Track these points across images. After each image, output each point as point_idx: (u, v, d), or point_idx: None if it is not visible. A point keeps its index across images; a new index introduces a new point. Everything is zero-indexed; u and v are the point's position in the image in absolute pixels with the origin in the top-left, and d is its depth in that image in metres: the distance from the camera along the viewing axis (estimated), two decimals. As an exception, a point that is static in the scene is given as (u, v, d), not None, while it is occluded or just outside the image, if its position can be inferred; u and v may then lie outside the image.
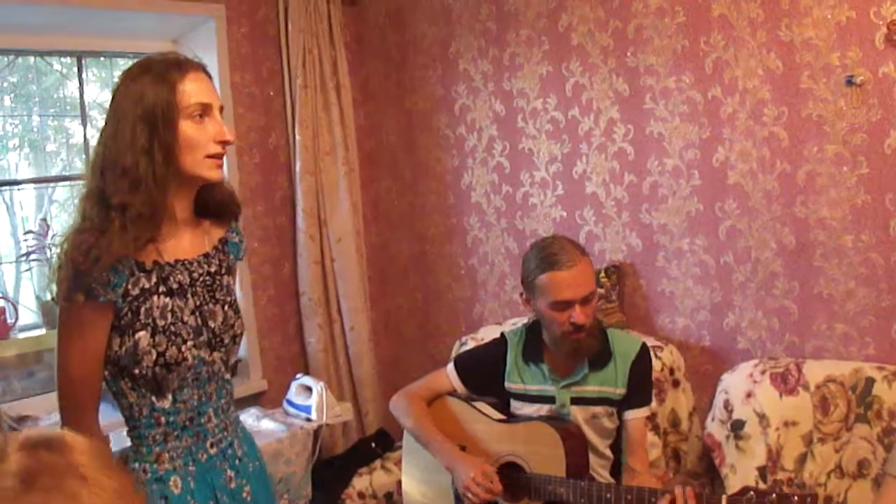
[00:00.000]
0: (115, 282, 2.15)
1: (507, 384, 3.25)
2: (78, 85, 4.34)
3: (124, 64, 4.61)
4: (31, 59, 4.27)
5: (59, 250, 2.16)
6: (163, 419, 2.27)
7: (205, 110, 2.21)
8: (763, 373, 3.41)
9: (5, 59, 4.16)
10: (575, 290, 2.95)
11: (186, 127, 2.18)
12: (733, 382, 3.48)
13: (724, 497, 2.57)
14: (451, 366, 3.41)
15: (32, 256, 4.17)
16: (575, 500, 2.92)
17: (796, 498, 2.44)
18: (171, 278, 2.27)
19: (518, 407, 3.24)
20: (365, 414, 4.79)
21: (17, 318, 4.09)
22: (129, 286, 2.19)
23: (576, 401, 3.13)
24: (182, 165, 2.20)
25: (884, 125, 3.20)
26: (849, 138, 3.28)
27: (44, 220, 4.25)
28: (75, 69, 4.33)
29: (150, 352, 2.19)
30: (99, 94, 4.53)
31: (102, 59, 4.51)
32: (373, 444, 4.37)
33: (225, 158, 2.35)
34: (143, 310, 2.20)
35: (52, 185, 4.46)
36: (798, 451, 3.29)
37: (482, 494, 2.99)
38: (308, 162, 4.59)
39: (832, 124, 3.32)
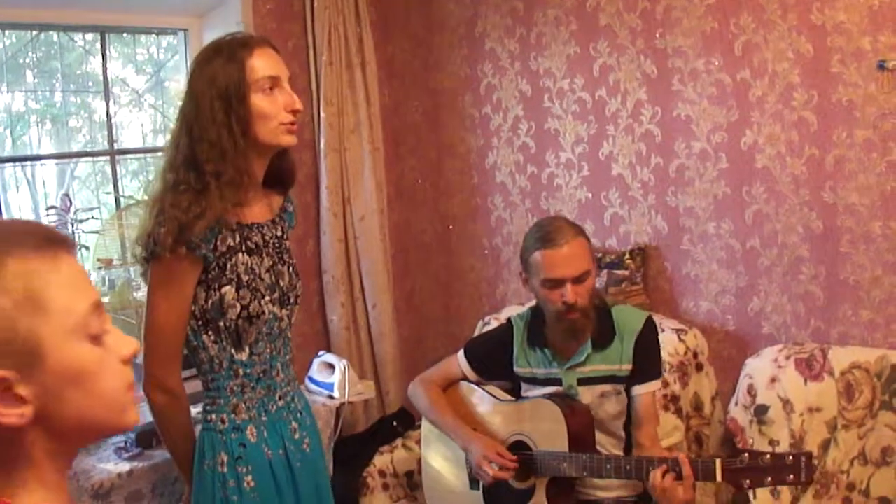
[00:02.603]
0: (208, 237, 2.37)
1: (516, 369, 3.26)
2: (101, 61, 4.32)
3: (147, 40, 4.61)
4: (55, 34, 4.26)
5: (148, 213, 2.38)
6: (241, 371, 2.48)
7: (274, 82, 2.42)
8: (788, 358, 3.40)
9: (28, 34, 4.16)
10: (565, 269, 2.97)
11: (258, 100, 2.39)
12: (757, 367, 3.48)
13: (718, 460, 2.62)
14: (461, 353, 3.43)
15: (55, 232, 4.16)
16: (578, 473, 2.98)
17: (790, 457, 2.48)
18: (251, 238, 2.50)
19: (528, 390, 3.25)
20: (386, 392, 4.79)
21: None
22: (218, 243, 2.40)
23: (582, 382, 3.13)
24: (258, 135, 2.41)
25: (915, 111, 3.18)
26: (879, 124, 3.26)
27: (66, 195, 4.24)
28: (98, 45, 4.32)
29: (234, 305, 2.42)
30: (122, 70, 4.52)
31: (125, 35, 4.50)
32: (394, 423, 4.38)
33: None
34: (228, 265, 2.42)
35: (73, 160, 4.46)
36: (822, 437, 3.29)
37: (494, 472, 3.02)
38: (332, 139, 4.57)
39: (862, 109, 3.29)
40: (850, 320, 3.46)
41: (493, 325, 3.98)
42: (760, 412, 3.40)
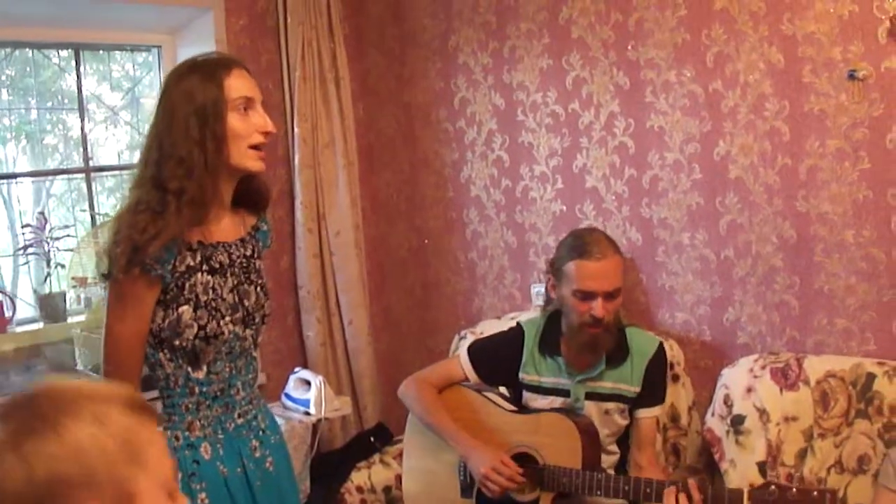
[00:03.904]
0: (165, 258, 2.36)
1: (521, 375, 3.25)
2: (76, 78, 4.32)
3: (122, 57, 4.60)
4: (29, 51, 4.25)
5: (110, 231, 2.39)
6: (196, 389, 2.47)
7: (249, 103, 2.44)
8: (763, 368, 3.41)
9: (2, 52, 4.14)
10: (599, 283, 2.99)
11: (233, 119, 2.40)
12: (733, 377, 3.48)
13: (746, 491, 2.63)
14: (463, 353, 3.41)
15: (30, 250, 4.14)
16: (591, 492, 2.95)
17: (815, 493, 2.50)
18: (214, 258, 2.49)
19: (530, 398, 3.25)
20: (363, 408, 4.77)
21: (14, 312, 4.07)
22: (177, 263, 2.40)
23: (590, 396, 3.14)
24: (230, 156, 2.41)
25: (886, 120, 3.21)
26: (850, 133, 3.28)
27: (41, 213, 4.23)
28: (73, 62, 4.31)
29: (191, 325, 2.41)
30: (97, 87, 4.51)
31: (100, 51, 4.49)
32: (371, 439, 4.36)
33: None
34: (187, 285, 2.41)
35: (49, 178, 4.45)
36: (798, 446, 3.30)
37: (503, 483, 3.00)
38: (307, 155, 4.57)
39: (834, 119, 3.32)
40: (825, 329, 3.47)
41: (470, 338, 3.97)
42: (737, 422, 3.40)
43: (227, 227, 2.55)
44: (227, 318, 2.48)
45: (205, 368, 2.46)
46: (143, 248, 2.29)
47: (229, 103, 2.38)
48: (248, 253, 2.60)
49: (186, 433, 2.45)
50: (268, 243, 2.76)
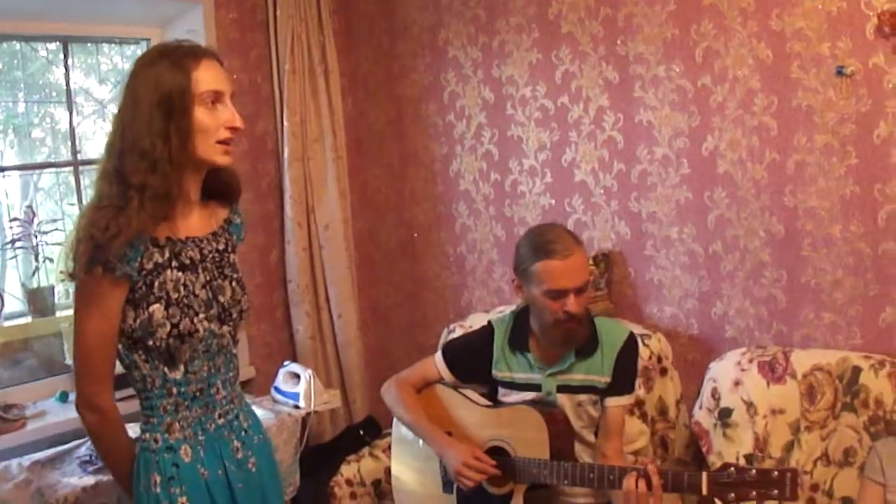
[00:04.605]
0: (130, 256, 2.28)
1: (494, 372, 3.26)
2: (64, 71, 4.30)
3: (110, 50, 4.59)
4: (17, 44, 4.23)
5: (75, 227, 2.30)
6: (174, 390, 2.40)
7: (217, 97, 2.35)
8: (751, 361, 3.42)
9: (-10, 44, 4.14)
10: (571, 280, 2.96)
11: (200, 113, 2.31)
12: (721, 370, 3.49)
13: (704, 474, 2.63)
14: (438, 354, 3.42)
15: (18, 244, 4.13)
16: (558, 481, 2.96)
17: (776, 473, 2.51)
18: (184, 254, 2.41)
19: (505, 394, 3.25)
20: (353, 401, 4.79)
21: (2, 306, 4.06)
22: (144, 261, 2.32)
23: (562, 388, 3.14)
24: (195, 149, 2.33)
25: (873, 116, 3.22)
26: (838, 128, 3.30)
27: (29, 207, 4.21)
28: (61, 55, 4.30)
29: (164, 323, 2.33)
30: (85, 81, 4.50)
31: (89, 45, 4.48)
32: (360, 432, 4.36)
33: None
34: (156, 283, 2.34)
35: (37, 172, 4.43)
36: (785, 438, 3.31)
37: (476, 478, 3.01)
38: (296, 149, 4.57)
39: (822, 114, 3.33)
40: (812, 323, 3.49)
41: (458, 332, 3.98)
42: (724, 415, 3.42)
43: (196, 222, 2.48)
44: (202, 315, 2.40)
45: (182, 368, 2.39)
46: (105, 246, 2.22)
47: (196, 97, 2.30)
48: (221, 247, 2.53)
49: (166, 435, 2.39)
50: (241, 236, 2.68)
